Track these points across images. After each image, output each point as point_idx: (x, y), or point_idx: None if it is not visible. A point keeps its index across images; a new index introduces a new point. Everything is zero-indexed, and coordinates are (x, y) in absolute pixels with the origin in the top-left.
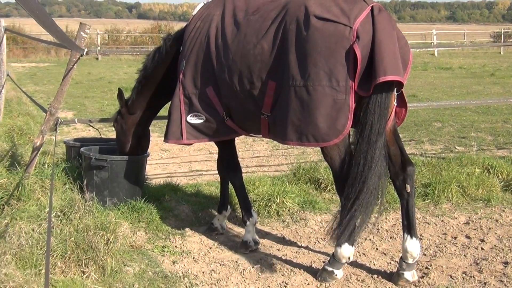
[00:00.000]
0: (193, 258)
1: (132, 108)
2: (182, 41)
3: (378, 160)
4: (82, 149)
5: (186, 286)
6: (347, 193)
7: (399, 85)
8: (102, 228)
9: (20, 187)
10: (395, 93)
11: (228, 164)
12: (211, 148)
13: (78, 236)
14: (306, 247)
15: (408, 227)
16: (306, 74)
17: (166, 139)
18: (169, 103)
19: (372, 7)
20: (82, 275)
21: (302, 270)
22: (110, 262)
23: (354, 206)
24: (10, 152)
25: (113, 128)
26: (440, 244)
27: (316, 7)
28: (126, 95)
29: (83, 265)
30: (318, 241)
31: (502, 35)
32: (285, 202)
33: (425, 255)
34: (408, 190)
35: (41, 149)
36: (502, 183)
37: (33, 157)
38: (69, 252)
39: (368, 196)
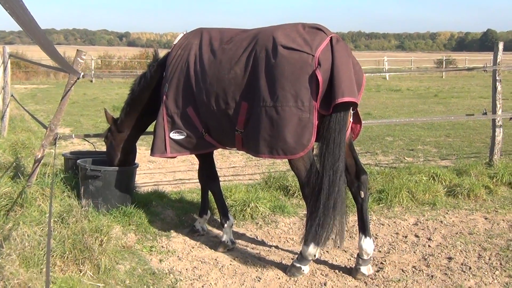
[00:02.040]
0: (178, 256)
1: (121, 126)
2: (165, 67)
3: (341, 168)
4: (78, 161)
5: (171, 282)
6: (314, 199)
7: (353, 104)
8: (96, 230)
9: (23, 195)
10: (351, 111)
11: (208, 174)
12: (193, 160)
13: (75, 238)
14: (277, 246)
15: (363, 227)
16: (275, 96)
17: (152, 153)
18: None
19: (331, 38)
20: (79, 272)
21: (273, 266)
22: (104, 261)
23: (319, 209)
24: (14, 164)
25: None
26: (393, 242)
27: (283, 37)
28: (117, 114)
29: (80, 263)
30: (287, 241)
31: (444, 62)
32: (258, 207)
33: (380, 251)
34: (362, 196)
35: (41, 161)
36: (445, 189)
37: (34, 168)
38: (67, 252)
39: (333, 200)
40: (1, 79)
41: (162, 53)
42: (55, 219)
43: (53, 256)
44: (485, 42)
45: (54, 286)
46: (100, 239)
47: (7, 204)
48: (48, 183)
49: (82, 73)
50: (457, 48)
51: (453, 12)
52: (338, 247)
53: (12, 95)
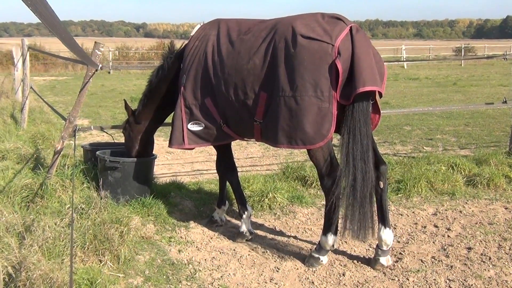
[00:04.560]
0: (196, 247)
1: (139, 118)
2: (182, 58)
3: (371, 159)
4: (97, 152)
5: (190, 272)
6: (339, 189)
7: (379, 94)
8: (116, 221)
9: (43, 187)
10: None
11: (226, 165)
12: (211, 151)
13: (96, 229)
14: (295, 237)
15: (382, 218)
16: (294, 86)
17: (170, 144)
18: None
19: (350, 27)
20: (100, 263)
21: (292, 256)
22: (124, 252)
23: (355, 201)
24: (34, 155)
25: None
26: (412, 232)
27: (302, 27)
28: (135, 105)
29: (100, 254)
30: (305, 231)
31: (463, 50)
32: (276, 197)
33: (398, 242)
34: (382, 186)
35: (61, 153)
36: (464, 179)
37: (54, 160)
38: (87, 243)
39: (367, 190)
40: (20, 71)
41: (178, 43)
42: (76, 211)
43: (74, 247)
44: (504, 29)
45: (75, 276)
46: (120, 230)
47: (28, 196)
48: (67, 174)
49: (100, 65)
50: (476, 36)
51: None
52: (363, 240)
53: (31, 87)
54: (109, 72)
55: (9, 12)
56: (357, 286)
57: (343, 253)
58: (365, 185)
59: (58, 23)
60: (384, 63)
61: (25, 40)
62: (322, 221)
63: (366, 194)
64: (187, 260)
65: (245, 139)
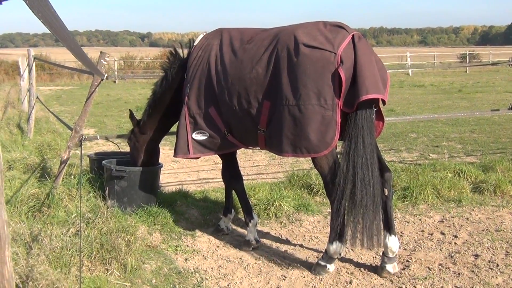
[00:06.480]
0: (203, 255)
1: (144, 128)
2: (186, 68)
3: (375, 167)
4: (104, 161)
5: (197, 281)
6: (341, 197)
7: (382, 101)
8: (123, 230)
9: (50, 196)
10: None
11: (231, 173)
12: (216, 159)
13: (102, 238)
14: (301, 245)
15: (388, 225)
16: (298, 95)
17: (175, 154)
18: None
19: (353, 35)
20: (106, 272)
21: (298, 264)
22: (130, 261)
23: (356, 208)
24: (40, 165)
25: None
26: (419, 240)
27: (304, 36)
28: (140, 114)
29: (107, 263)
30: (312, 239)
31: (467, 56)
32: (282, 205)
33: (405, 249)
34: (386, 194)
35: (67, 162)
36: (471, 186)
37: (61, 170)
38: (94, 252)
39: (371, 199)
40: (26, 81)
41: (180, 50)
42: (82, 220)
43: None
44: (509, 35)
45: (83, 285)
46: (126, 239)
47: (35, 205)
48: (74, 184)
49: (106, 75)
50: (480, 42)
51: (476, 5)
52: (370, 248)
53: (37, 97)
54: (114, 81)
55: (15, 22)
56: None
57: (350, 261)
58: (367, 193)
59: (67, 34)
60: (388, 71)
61: (31, 50)
62: (329, 229)
63: (369, 201)
64: (193, 269)
65: (250, 147)
